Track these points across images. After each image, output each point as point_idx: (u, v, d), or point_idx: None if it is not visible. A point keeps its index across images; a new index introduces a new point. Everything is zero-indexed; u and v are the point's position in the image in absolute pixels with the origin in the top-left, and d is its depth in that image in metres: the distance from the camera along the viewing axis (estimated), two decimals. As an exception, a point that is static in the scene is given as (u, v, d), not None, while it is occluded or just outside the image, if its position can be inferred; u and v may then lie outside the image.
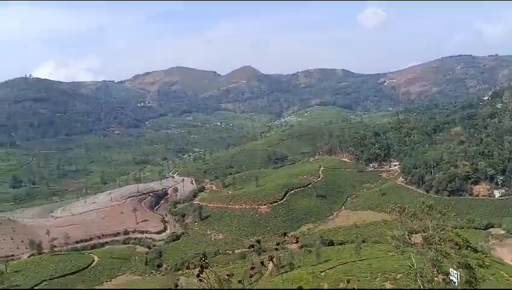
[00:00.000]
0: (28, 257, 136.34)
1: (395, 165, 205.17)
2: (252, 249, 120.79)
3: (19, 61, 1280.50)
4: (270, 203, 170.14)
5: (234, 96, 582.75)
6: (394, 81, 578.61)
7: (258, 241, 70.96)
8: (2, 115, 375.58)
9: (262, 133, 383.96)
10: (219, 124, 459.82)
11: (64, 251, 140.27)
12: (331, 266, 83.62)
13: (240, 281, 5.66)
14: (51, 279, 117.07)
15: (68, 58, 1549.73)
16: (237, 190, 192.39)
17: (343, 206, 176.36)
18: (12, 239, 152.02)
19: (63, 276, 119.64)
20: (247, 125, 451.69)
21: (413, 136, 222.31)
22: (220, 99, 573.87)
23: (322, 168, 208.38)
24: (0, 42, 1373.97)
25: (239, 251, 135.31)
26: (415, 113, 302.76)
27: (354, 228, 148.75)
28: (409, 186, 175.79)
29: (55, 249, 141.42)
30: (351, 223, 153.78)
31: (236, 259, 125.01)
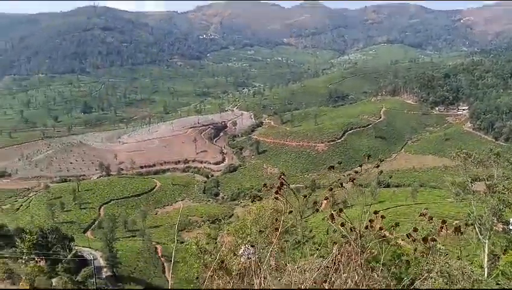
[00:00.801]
0: (97, 177, 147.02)
1: (463, 109, 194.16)
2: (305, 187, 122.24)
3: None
4: (328, 142, 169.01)
5: (297, 31, 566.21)
6: (471, 19, 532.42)
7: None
8: (73, 42, 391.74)
9: (324, 70, 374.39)
10: (280, 59, 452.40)
11: (130, 175, 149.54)
12: (386, 207, 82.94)
13: (290, 212, 5.40)
14: (118, 199, 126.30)
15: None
16: (295, 127, 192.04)
17: (402, 149, 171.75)
18: (83, 160, 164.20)
19: (129, 197, 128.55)
20: (309, 61, 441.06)
21: (487, 80, 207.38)
22: (283, 33, 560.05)
23: (383, 109, 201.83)
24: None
25: (294, 185, 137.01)
26: (491, 55, 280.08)
27: (413, 171, 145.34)
28: (477, 132, 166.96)
29: (122, 172, 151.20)
30: (409, 167, 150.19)
31: (290, 194, 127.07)
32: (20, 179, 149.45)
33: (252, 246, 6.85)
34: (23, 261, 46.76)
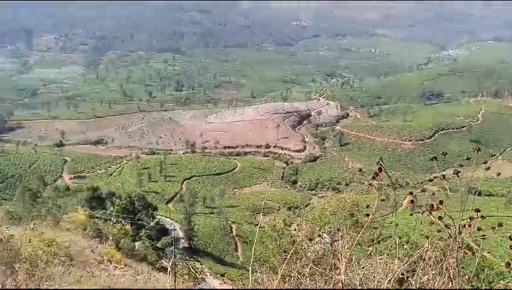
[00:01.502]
0: (182, 153, 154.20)
1: None
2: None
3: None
4: (416, 141, 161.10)
5: (394, 21, 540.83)
6: None
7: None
8: (172, 22, 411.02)
9: (420, 65, 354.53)
10: (373, 50, 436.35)
11: (213, 154, 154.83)
12: (475, 216, 77.34)
13: (367, 206, 5.11)
14: (199, 175, 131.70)
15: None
16: (382, 122, 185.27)
17: (500, 156, 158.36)
18: (171, 136, 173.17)
19: (210, 175, 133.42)
20: (403, 54, 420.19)
21: None
22: (378, 23, 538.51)
23: (482, 111, 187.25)
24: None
25: (375, 182, 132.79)
26: None
27: (509, 181, 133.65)
28: None
29: (206, 150, 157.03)
30: (505, 176, 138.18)
31: (370, 190, 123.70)
32: (115, 147, 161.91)
33: (329, 235, 6.65)
34: (112, 223, 50.67)
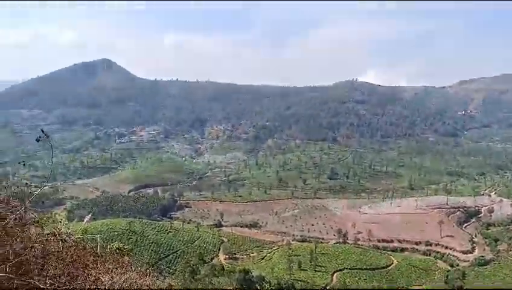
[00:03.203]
0: (334, 243, 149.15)
1: None
2: None
3: (346, 68, 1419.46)
4: None
5: None
6: None
7: None
8: (330, 113, 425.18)
9: None
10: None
11: (366, 246, 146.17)
12: None
13: None
14: (351, 268, 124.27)
15: (391, 63, 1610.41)
16: None
17: None
18: (324, 224, 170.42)
19: (362, 269, 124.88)
20: None
21: None
22: None
23: None
24: (328, 50, 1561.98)
25: None
26: None
27: None
28: None
29: (358, 242, 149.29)
30: None
31: None
32: (268, 231, 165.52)
33: None
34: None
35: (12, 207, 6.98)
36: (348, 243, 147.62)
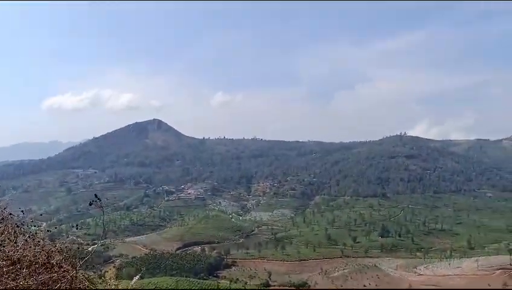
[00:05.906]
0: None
1: None
2: None
3: (395, 121, 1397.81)
4: None
5: None
6: None
7: None
8: (378, 169, 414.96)
9: None
10: None
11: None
12: None
13: None
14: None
15: (441, 116, 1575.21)
16: None
17: None
18: (376, 285, 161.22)
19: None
20: None
21: None
22: None
23: None
24: (380, 103, 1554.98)
25: None
26: None
27: None
28: None
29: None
30: None
31: None
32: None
33: None
34: None
35: (64, 272, 7.19)
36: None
